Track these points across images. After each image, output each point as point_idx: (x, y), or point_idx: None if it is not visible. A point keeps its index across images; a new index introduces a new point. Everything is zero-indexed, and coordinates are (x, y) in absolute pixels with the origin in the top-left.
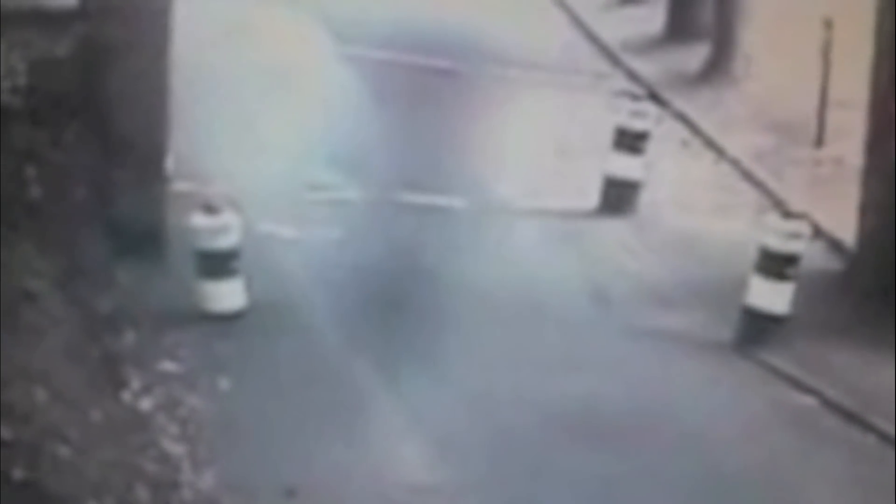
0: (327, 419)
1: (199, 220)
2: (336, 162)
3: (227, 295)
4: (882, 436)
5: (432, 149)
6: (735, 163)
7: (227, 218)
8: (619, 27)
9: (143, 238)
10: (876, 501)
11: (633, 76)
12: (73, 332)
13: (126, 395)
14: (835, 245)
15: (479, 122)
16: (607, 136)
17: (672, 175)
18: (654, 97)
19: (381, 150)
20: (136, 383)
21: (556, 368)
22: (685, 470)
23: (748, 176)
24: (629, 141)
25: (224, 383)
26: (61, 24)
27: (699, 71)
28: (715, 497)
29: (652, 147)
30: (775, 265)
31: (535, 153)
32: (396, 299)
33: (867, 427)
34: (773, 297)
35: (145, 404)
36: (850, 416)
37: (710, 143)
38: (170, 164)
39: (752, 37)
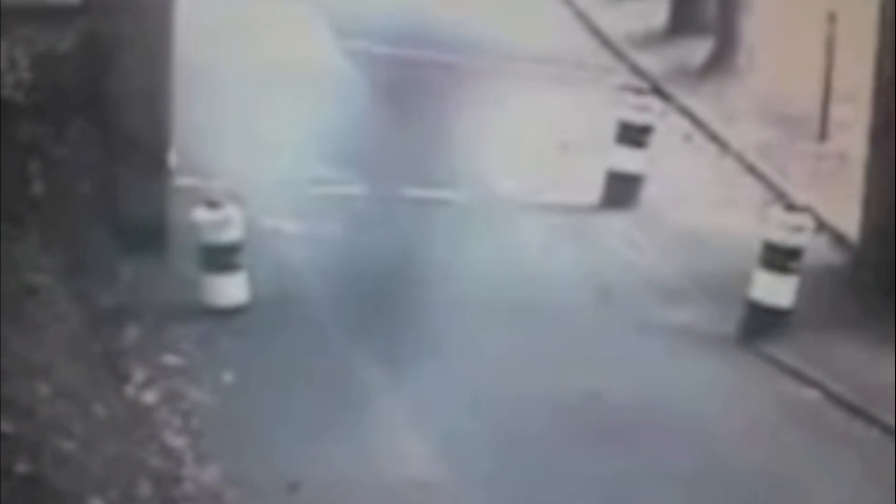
0: (330, 414)
1: (201, 214)
2: (339, 156)
3: (230, 289)
4: (885, 429)
5: (435, 143)
6: (738, 157)
7: (230, 212)
8: (623, 21)
9: (147, 233)
10: (879, 495)
11: (636, 70)
12: (76, 327)
13: (129, 390)
14: (838, 239)
15: (481, 117)
16: (610, 130)
17: (675, 169)
18: (658, 91)
19: (384, 144)
20: (139, 377)
21: (558, 363)
22: (690, 464)
23: (752, 170)
24: (632, 135)
25: (227, 377)
26: (64, 20)
27: (703, 65)
28: (719, 490)
29: (655, 141)
30: (779, 259)
31: (538, 147)
32: (400, 294)
33: (871, 420)
34: (776, 290)
35: (148, 398)
36: (854, 410)
37: (714, 137)
38: (173, 158)
39: (756, 30)
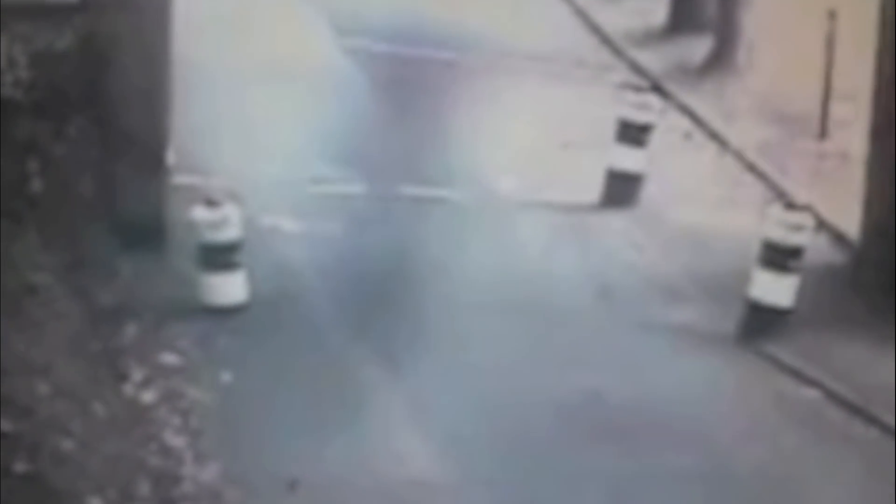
0: (329, 412)
1: (200, 213)
2: (338, 155)
3: (228, 288)
4: (885, 428)
5: (434, 142)
6: (739, 155)
7: (229, 211)
8: (623, 19)
9: (145, 231)
10: (879, 494)
11: (636, 68)
12: (75, 325)
13: (128, 388)
14: (839, 238)
15: (481, 115)
16: (610, 129)
17: (675, 168)
18: (658, 89)
19: (384, 143)
20: (137, 376)
21: (559, 362)
22: (690, 463)
23: (752, 168)
24: (632, 133)
25: (226, 376)
26: (63, 18)
27: (703, 63)
28: (719, 489)
29: (655, 139)
30: (779, 257)
31: (538, 146)
32: (399, 293)
33: (871, 420)
34: (776, 289)
35: (147, 397)
36: (854, 409)
37: (714, 136)
38: (171, 157)
39: (756, 28)
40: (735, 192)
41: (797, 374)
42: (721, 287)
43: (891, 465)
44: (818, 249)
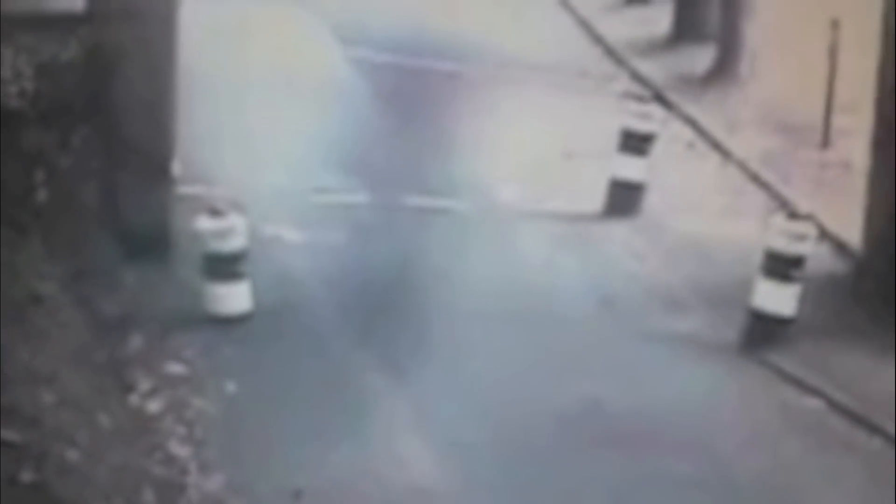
0: (334, 421)
1: (205, 223)
2: (341, 164)
3: (233, 298)
4: (888, 437)
5: (437, 152)
6: (741, 165)
7: (233, 221)
8: (625, 29)
9: (150, 241)
10: (881, 503)
11: (638, 78)
12: (80, 335)
13: (133, 398)
14: (841, 247)
15: (484, 125)
16: (613, 139)
17: (678, 177)
18: (660, 99)
19: (387, 152)
20: (142, 386)
21: (562, 371)
22: (692, 472)
23: (754, 178)
24: (635, 143)
25: (231, 386)
26: (68, 29)
27: (705, 73)
28: (721, 498)
29: (658, 149)
30: (781, 267)
31: (541, 155)
32: (402, 302)
33: (873, 429)
34: (779, 299)
35: (152, 407)
36: (856, 419)
37: (717, 145)
38: (176, 167)
39: (759, 39)
40: (737, 201)
41: (799, 384)
42: (723, 296)
43: (893, 474)
44: (820, 259)
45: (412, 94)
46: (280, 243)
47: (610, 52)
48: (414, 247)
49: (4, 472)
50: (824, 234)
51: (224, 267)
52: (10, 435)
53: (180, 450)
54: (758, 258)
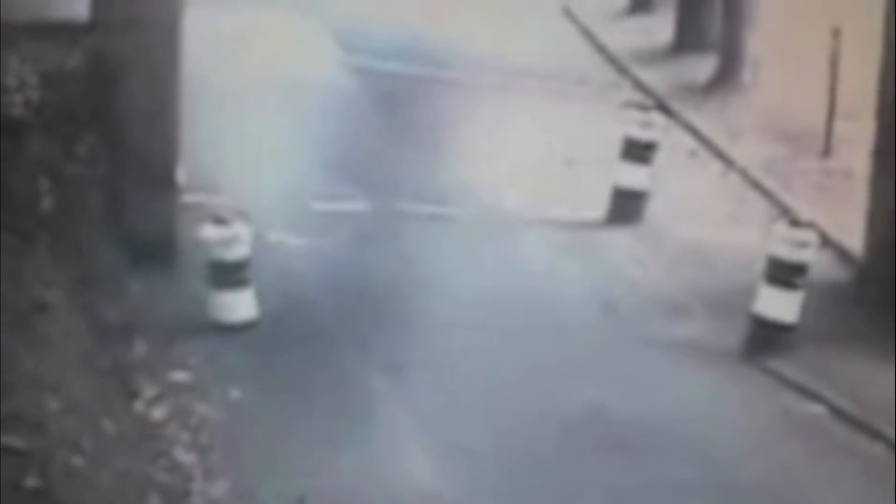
0: (338, 428)
1: (209, 230)
2: (345, 172)
3: (237, 305)
4: (890, 443)
5: (439, 159)
6: (743, 172)
7: (237, 229)
8: (628, 38)
9: (155, 249)
10: None
11: (641, 86)
12: (85, 342)
13: (138, 405)
14: (843, 254)
15: (486, 133)
16: (615, 147)
17: (680, 185)
18: (663, 107)
19: (389, 160)
20: (147, 393)
21: (564, 378)
22: (694, 478)
23: (756, 185)
24: (637, 151)
25: (235, 393)
26: (72, 38)
27: (707, 81)
28: None
29: (660, 157)
30: (783, 274)
31: (543, 163)
32: (405, 308)
33: (875, 435)
34: (781, 305)
35: (157, 414)
36: (859, 425)
37: (719, 154)
38: (180, 175)
39: (760, 47)
40: (739, 209)
41: (801, 390)
42: (725, 303)
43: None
44: (822, 266)
45: (414, 101)
46: (284, 251)
47: (612, 61)
48: (416, 253)
49: (9, 479)
50: (826, 241)
51: (228, 275)
52: (14, 441)
53: (185, 456)
54: (760, 265)
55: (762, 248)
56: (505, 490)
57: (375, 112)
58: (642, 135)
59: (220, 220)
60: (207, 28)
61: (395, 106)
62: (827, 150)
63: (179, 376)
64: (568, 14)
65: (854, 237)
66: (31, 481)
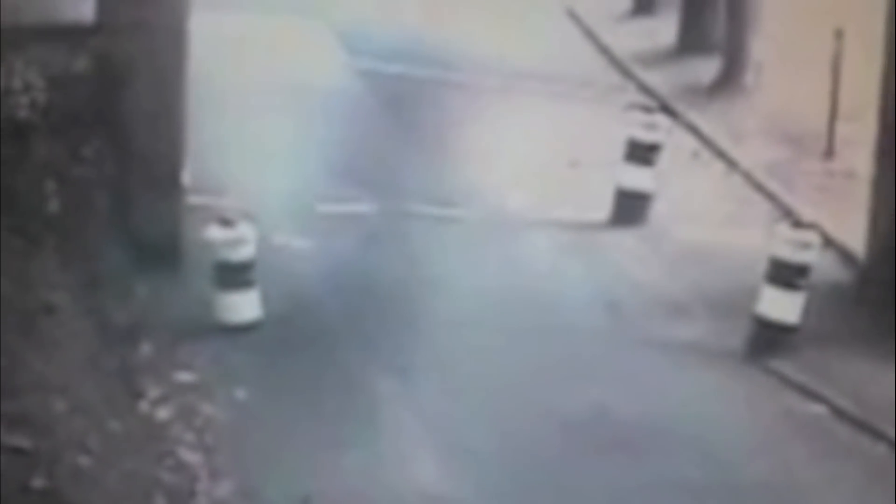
0: (343, 428)
1: (215, 232)
2: (349, 174)
3: (243, 306)
4: (891, 444)
5: (444, 161)
6: (746, 174)
7: (243, 230)
8: (631, 40)
9: (160, 250)
10: None
11: (644, 88)
12: (92, 344)
13: (143, 406)
14: (845, 255)
15: (490, 134)
16: (619, 148)
17: (683, 187)
18: (666, 109)
19: (394, 161)
20: (153, 394)
21: (568, 378)
22: (697, 478)
23: (759, 187)
24: (641, 153)
25: (240, 393)
26: (78, 41)
27: (711, 84)
28: None
29: (664, 159)
30: (786, 275)
31: (548, 165)
32: (409, 310)
33: (877, 435)
34: (783, 306)
35: (162, 414)
36: (861, 425)
37: (722, 155)
38: (186, 177)
39: (763, 49)
40: (742, 210)
41: (803, 390)
42: (728, 304)
43: None
44: (825, 267)
45: (419, 104)
46: (289, 252)
47: (616, 63)
48: (421, 254)
49: (16, 479)
50: (828, 243)
51: (234, 276)
52: (22, 442)
53: (190, 456)
54: (762, 266)
55: (765, 249)
56: (508, 490)
57: (380, 114)
58: (646, 136)
59: (225, 222)
60: (213, 31)
61: (400, 108)
62: (829, 152)
63: (185, 377)
64: (572, 16)
65: (856, 238)
66: (38, 482)
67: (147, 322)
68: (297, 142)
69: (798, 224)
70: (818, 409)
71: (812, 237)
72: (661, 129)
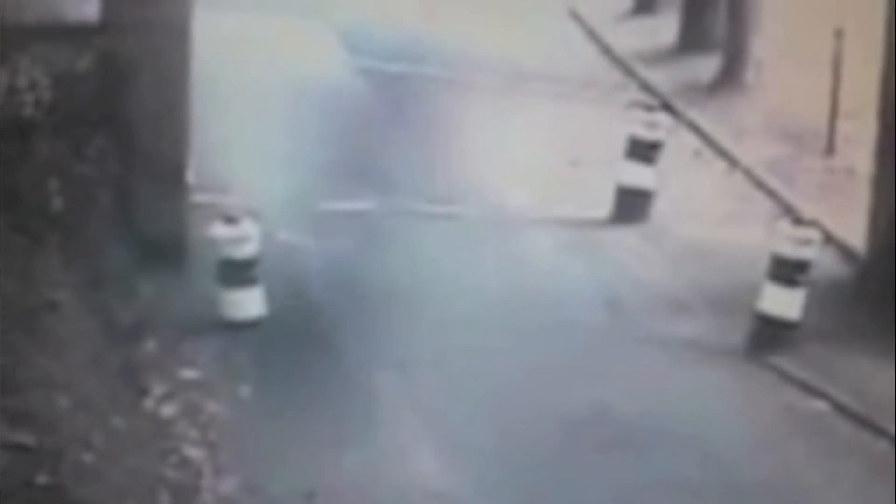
0: (345, 425)
1: (219, 230)
2: (352, 172)
3: (246, 303)
4: (894, 441)
5: (446, 159)
6: (747, 172)
7: (247, 228)
8: (632, 39)
9: (165, 248)
10: None
11: (646, 87)
12: (96, 341)
13: (148, 403)
14: (846, 252)
15: (492, 133)
16: (620, 146)
17: (685, 184)
18: (667, 107)
19: (396, 160)
20: (157, 391)
21: (569, 375)
22: (698, 475)
23: (760, 184)
24: (642, 151)
25: (244, 390)
26: (83, 39)
27: (711, 82)
28: (728, 502)
29: (665, 157)
30: (787, 271)
31: (549, 163)
32: (411, 307)
33: (878, 431)
34: (784, 303)
35: (167, 411)
36: (862, 421)
37: (723, 153)
38: (190, 175)
39: (764, 48)
40: (743, 207)
41: (805, 387)
42: (729, 301)
43: None
44: (825, 263)
45: (420, 102)
46: (292, 249)
47: (618, 62)
48: (423, 252)
49: (21, 476)
50: (829, 239)
51: (238, 273)
52: (26, 439)
53: (194, 453)
54: (763, 263)
55: (766, 246)
56: (508, 487)
57: (382, 113)
58: (647, 134)
59: (229, 219)
60: (215, 31)
61: (401, 107)
62: (830, 150)
63: (189, 374)
64: (574, 15)
65: (856, 235)
66: (43, 478)
67: (151, 319)
68: (300, 140)
69: (799, 221)
70: (819, 405)
71: (813, 234)
72: (662, 128)
